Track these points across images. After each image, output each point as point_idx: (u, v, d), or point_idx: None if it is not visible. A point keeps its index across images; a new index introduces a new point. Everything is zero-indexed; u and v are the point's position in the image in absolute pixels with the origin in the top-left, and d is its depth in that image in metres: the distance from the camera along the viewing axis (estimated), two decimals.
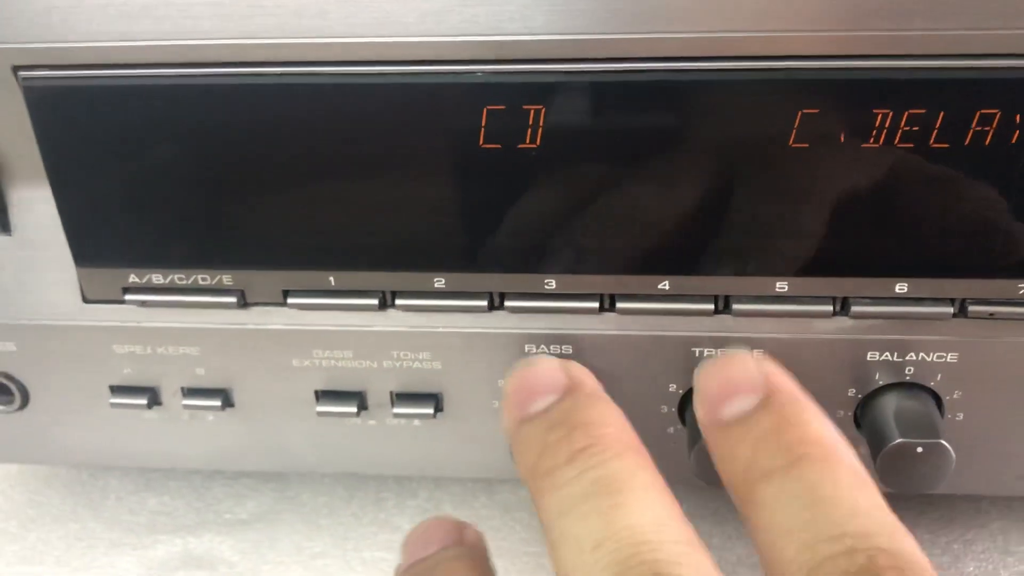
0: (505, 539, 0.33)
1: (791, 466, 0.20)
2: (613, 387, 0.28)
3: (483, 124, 0.25)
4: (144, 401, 0.30)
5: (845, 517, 0.19)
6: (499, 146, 0.25)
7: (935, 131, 0.24)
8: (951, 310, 0.26)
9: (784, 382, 0.22)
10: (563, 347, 0.28)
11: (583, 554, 0.20)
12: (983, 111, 0.23)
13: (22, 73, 0.25)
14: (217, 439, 0.31)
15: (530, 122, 0.25)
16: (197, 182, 0.26)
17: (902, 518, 0.19)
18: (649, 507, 0.20)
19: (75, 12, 0.24)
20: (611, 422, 0.22)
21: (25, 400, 0.31)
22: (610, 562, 0.19)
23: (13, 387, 0.31)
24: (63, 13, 0.24)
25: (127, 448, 0.32)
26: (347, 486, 0.36)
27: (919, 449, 0.26)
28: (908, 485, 0.27)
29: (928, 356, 0.27)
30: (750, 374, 0.23)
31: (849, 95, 0.23)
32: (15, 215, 0.28)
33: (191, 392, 0.30)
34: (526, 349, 0.28)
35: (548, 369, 0.24)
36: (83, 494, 0.37)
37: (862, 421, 0.28)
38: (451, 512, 0.35)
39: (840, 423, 0.28)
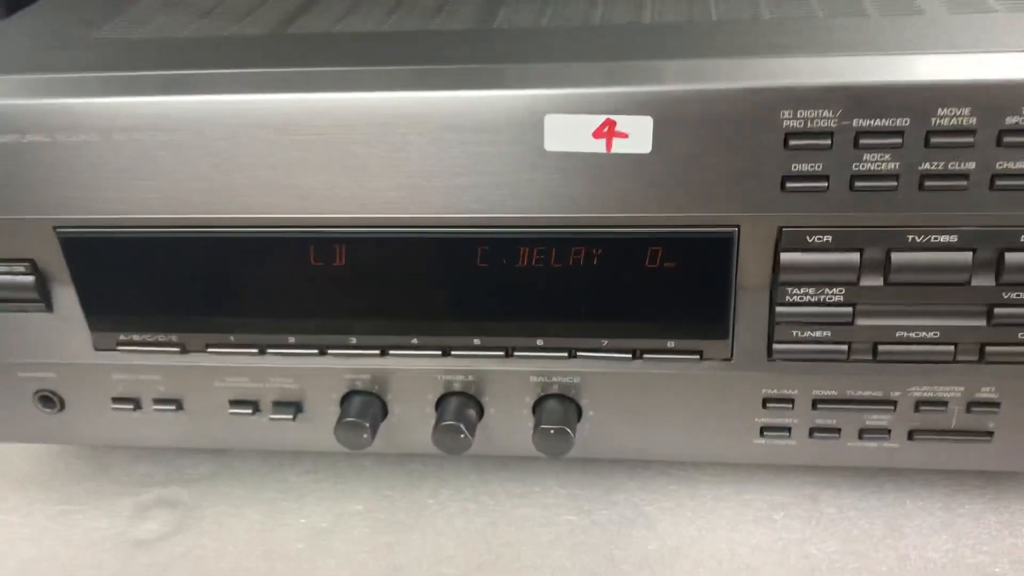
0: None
1: None
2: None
3: (311, 254, 0.45)
4: (131, 407, 0.51)
5: None
6: (321, 264, 0.46)
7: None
8: (566, 354, 0.46)
9: None
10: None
11: None
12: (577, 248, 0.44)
13: (58, 230, 0.46)
14: (176, 430, 0.52)
15: (336, 255, 0.45)
16: (157, 291, 0.47)
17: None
18: None
19: (83, 196, 0.45)
20: None
21: (62, 407, 0.52)
22: None
23: (55, 399, 0.52)
24: (74, 199, 0.45)
25: (123, 435, 0.53)
26: (263, 457, 0.57)
27: (552, 431, 0.47)
28: (552, 451, 0.47)
29: (563, 379, 0.47)
30: None
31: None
32: (55, 300, 0.49)
33: (158, 401, 0.51)
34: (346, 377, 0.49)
35: None
36: (99, 464, 0.58)
37: (535, 416, 0.49)
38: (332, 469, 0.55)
39: (525, 418, 0.49)
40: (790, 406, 0.46)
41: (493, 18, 0.48)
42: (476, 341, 0.46)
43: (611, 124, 0.39)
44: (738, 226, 0.41)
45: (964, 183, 0.39)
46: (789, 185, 0.40)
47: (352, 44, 0.46)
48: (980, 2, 0.45)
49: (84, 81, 0.43)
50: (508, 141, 0.40)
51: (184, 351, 0.49)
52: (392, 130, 0.40)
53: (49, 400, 0.51)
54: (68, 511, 0.53)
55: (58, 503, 0.54)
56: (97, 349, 0.49)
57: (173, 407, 0.51)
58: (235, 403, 0.50)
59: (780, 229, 0.41)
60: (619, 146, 0.39)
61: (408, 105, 0.40)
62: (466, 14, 0.49)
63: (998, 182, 0.39)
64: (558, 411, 0.47)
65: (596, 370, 0.47)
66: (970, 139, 0.38)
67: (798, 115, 0.38)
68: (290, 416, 0.49)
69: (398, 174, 0.42)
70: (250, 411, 0.50)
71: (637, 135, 0.39)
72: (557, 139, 0.40)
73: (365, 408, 0.48)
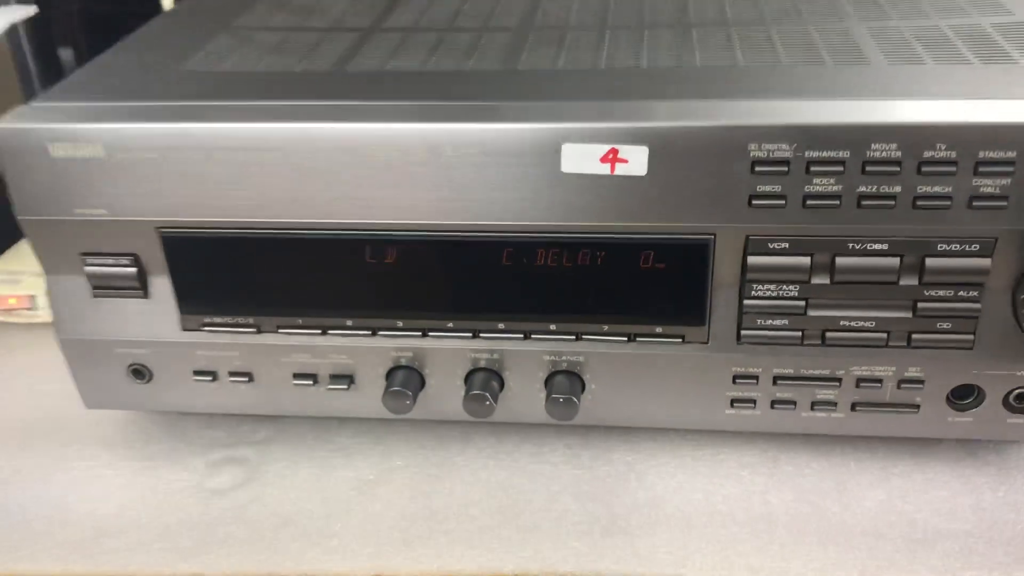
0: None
1: None
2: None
3: (368, 252, 0.56)
4: (210, 379, 0.61)
5: None
6: (375, 261, 0.56)
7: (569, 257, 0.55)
8: (573, 337, 0.57)
9: None
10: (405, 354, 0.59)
11: None
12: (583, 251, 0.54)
13: (160, 230, 0.56)
14: (246, 398, 0.62)
15: (386, 253, 0.56)
16: (239, 282, 0.57)
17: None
18: None
19: (184, 203, 0.55)
20: None
21: (151, 378, 0.62)
22: None
23: (145, 372, 0.62)
24: (176, 204, 0.55)
25: (201, 402, 0.63)
26: (313, 423, 0.67)
27: (561, 400, 0.57)
28: (561, 417, 0.58)
29: (571, 358, 0.58)
30: None
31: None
32: (151, 288, 0.59)
33: (233, 374, 0.61)
34: (393, 355, 0.59)
35: None
36: (172, 431, 0.67)
37: (546, 389, 0.59)
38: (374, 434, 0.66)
39: (539, 390, 0.60)
40: (755, 382, 0.57)
41: (517, 60, 0.59)
42: (500, 326, 0.57)
43: (615, 152, 0.50)
44: (714, 234, 0.52)
45: (892, 203, 0.49)
46: (755, 202, 0.50)
47: (403, 81, 0.56)
48: (916, 56, 0.56)
49: (190, 109, 0.53)
50: (531, 164, 0.51)
51: (258, 331, 0.59)
52: (440, 154, 0.51)
53: (140, 373, 0.61)
54: (151, 467, 0.63)
55: (142, 460, 0.64)
56: (184, 329, 0.59)
57: (246, 379, 0.61)
58: (298, 376, 0.60)
59: (747, 237, 0.52)
60: (621, 169, 0.50)
61: (453, 134, 0.50)
62: (494, 57, 0.60)
63: (919, 203, 0.49)
64: (566, 384, 0.57)
65: (597, 351, 0.57)
66: (897, 168, 0.49)
67: (762, 147, 0.49)
68: (344, 387, 0.60)
69: (443, 189, 0.52)
70: (310, 383, 0.60)
71: (635, 161, 0.50)
72: (571, 163, 0.50)
73: (407, 380, 0.58)
